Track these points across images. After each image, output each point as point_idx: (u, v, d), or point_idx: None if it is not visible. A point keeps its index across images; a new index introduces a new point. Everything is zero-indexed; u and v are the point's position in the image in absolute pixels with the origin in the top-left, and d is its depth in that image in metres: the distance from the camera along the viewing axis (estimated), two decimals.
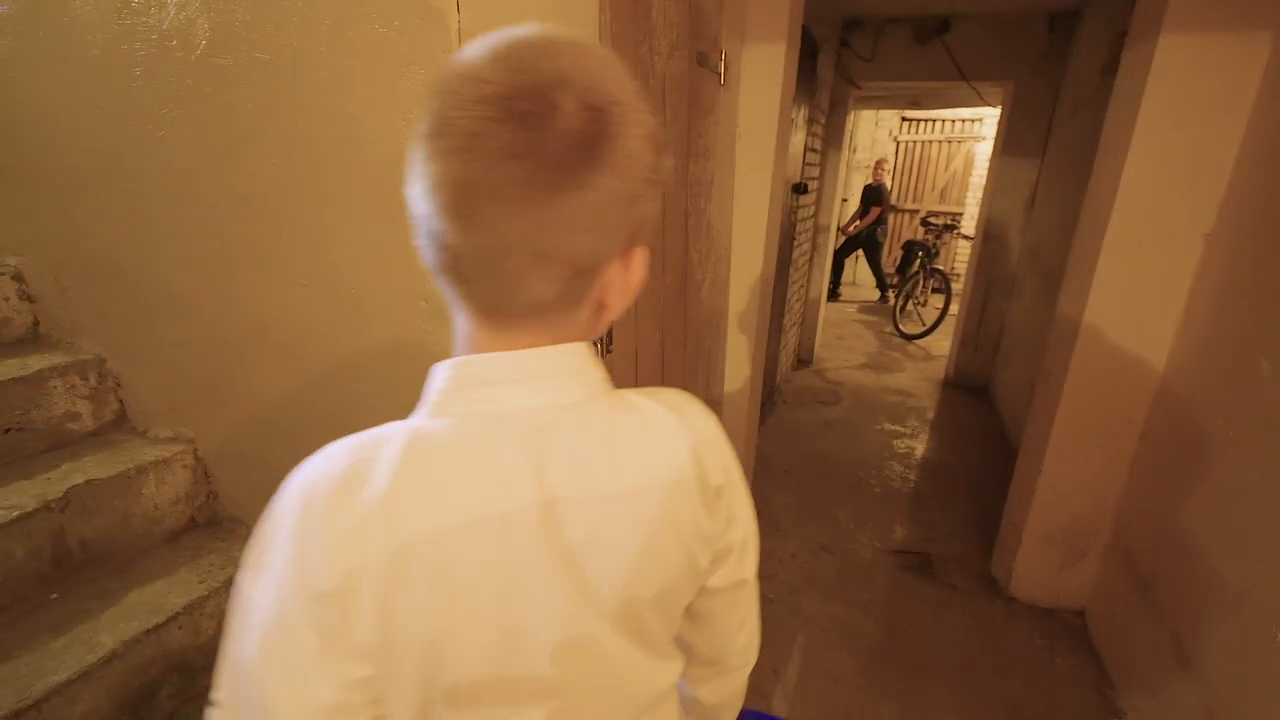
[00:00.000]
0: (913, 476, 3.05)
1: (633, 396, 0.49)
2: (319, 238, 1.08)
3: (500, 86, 0.37)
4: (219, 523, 1.41)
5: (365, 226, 1.04)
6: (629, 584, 0.46)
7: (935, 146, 7.59)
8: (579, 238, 0.39)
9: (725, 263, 2.15)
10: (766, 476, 2.92)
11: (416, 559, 0.40)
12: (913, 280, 5.86)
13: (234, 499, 1.41)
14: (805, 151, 3.38)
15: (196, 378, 1.31)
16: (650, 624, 0.49)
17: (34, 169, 1.31)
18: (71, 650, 1.05)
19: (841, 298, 7.21)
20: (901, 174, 7.78)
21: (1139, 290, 1.76)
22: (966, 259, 5.22)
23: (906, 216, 7.76)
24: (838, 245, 6.46)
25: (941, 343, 5.18)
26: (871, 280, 7.14)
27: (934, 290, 5.96)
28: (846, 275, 7.49)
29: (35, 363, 1.30)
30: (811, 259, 4.44)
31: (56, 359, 1.33)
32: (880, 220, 6.53)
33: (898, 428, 3.62)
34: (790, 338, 4.25)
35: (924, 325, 5.53)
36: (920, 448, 3.38)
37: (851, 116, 4.70)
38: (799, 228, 3.67)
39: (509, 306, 0.42)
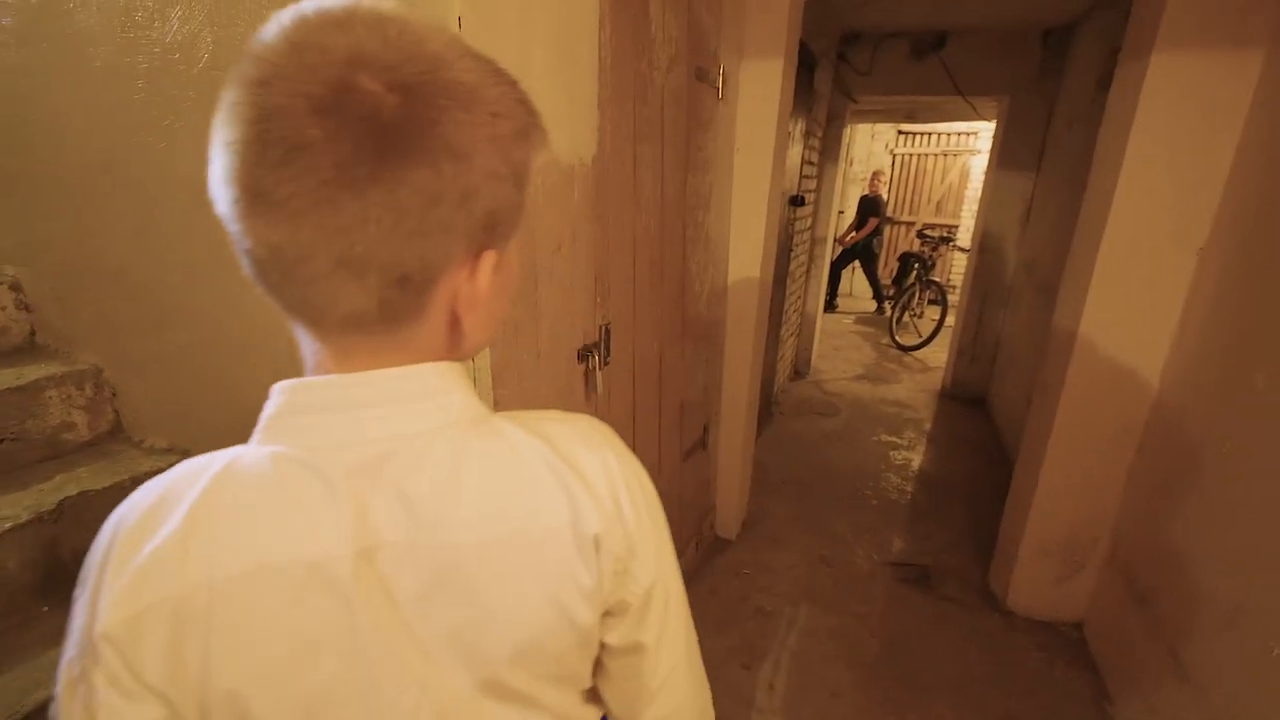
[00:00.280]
0: (910, 488, 3.05)
1: (506, 426, 0.43)
2: None
3: (286, 68, 0.32)
4: None
5: None
6: (476, 641, 0.40)
7: (931, 159, 7.64)
8: (392, 242, 0.34)
9: (723, 274, 2.16)
10: (764, 487, 2.92)
11: (204, 606, 0.36)
12: (909, 292, 5.88)
13: None
14: (802, 164, 3.40)
15: (195, 387, 1.31)
16: (514, 683, 0.43)
17: (35, 179, 1.32)
18: None
19: (838, 309, 7.24)
20: (897, 187, 7.83)
21: (1134, 303, 1.77)
22: (962, 271, 5.25)
23: (903, 229, 7.80)
24: (834, 257, 6.49)
25: (938, 354, 5.19)
26: (868, 292, 7.17)
27: (930, 302, 5.98)
28: (843, 287, 7.52)
29: (31, 373, 1.30)
30: (809, 270, 4.46)
31: (53, 369, 1.32)
32: (876, 232, 6.57)
33: (895, 439, 3.62)
34: (787, 349, 4.26)
35: (920, 337, 5.55)
36: (918, 459, 3.38)
37: (848, 130, 4.74)
38: (796, 239, 3.69)
39: (324, 320, 0.37)
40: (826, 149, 4.15)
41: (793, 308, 4.12)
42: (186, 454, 1.35)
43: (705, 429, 2.24)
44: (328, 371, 0.40)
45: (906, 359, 5.39)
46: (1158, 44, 1.59)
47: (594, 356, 1.32)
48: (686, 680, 0.51)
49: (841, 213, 6.62)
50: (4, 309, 1.40)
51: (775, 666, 1.88)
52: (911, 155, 7.71)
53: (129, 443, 1.40)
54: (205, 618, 0.36)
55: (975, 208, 5.47)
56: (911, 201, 7.85)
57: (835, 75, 3.87)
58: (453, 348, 0.43)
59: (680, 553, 2.15)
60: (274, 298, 0.37)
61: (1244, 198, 1.54)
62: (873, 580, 2.32)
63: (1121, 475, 1.90)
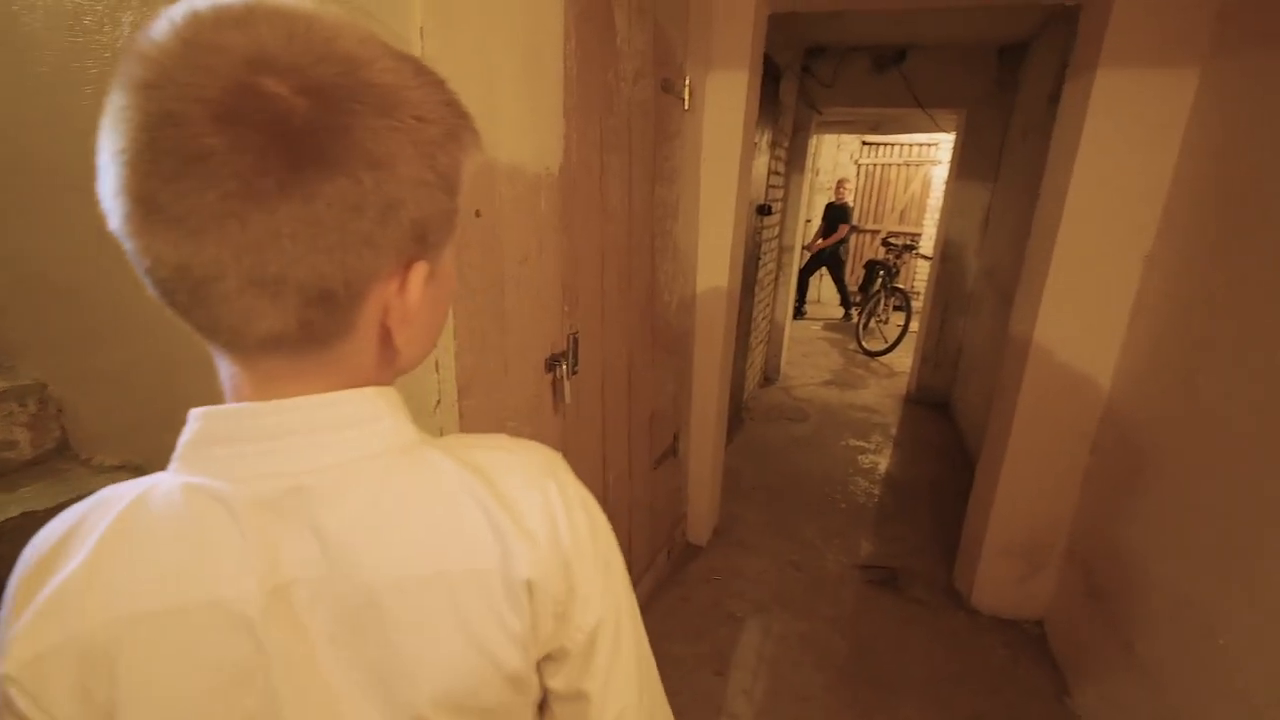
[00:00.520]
0: (878, 491, 3.10)
1: (436, 457, 0.40)
2: None
3: (176, 70, 0.29)
4: None
5: None
6: (395, 684, 0.38)
7: (894, 170, 7.84)
8: (310, 258, 0.32)
9: (691, 283, 2.18)
10: (735, 494, 2.93)
11: (107, 647, 0.34)
12: (875, 299, 6.00)
13: None
14: (769, 174, 3.46)
15: (147, 402, 1.27)
16: None
17: None
18: None
19: (807, 316, 7.35)
20: (862, 196, 8.01)
21: (1085, 309, 1.84)
22: (925, 278, 5.38)
23: (868, 237, 7.97)
24: (802, 264, 6.59)
25: (903, 359, 5.30)
26: (836, 298, 7.29)
27: (895, 308, 6.12)
28: (811, 294, 7.65)
29: None
30: (777, 278, 4.52)
31: None
32: (843, 239, 6.70)
33: (863, 443, 3.68)
34: (757, 356, 4.31)
35: (886, 342, 5.67)
36: (884, 463, 3.44)
37: (814, 140, 4.83)
38: (764, 248, 3.74)
39: (240, 343, 0.35)
40: (793, 159, 4.23)
41: (762, 315, 4.17)
42: (140, 471, 1.31)
43: (676, 437, 2.24)
44: (244, 398, 0.37)
45: (873, 364, 5.50)
46: (1102, 61, 1.66)
47: (562, 366, 1.32)
48: None
49: (809, 221, 6.73)
50: None
51: (747, 672, 1.89)
52: (876, 165, 7.90)
53: (76, 461, 1.35)
54: (109, 660, 0.34)
55: (937, 216, 5.63)
56: (876, 210, 8.03)
57: (800, 87, 3.95)
58: (386, 365, 0.41)
59: (651, 561, 2.15)
60: (184, 320, 0.34)
61: (1183, 208, 1.62)
62: (842, 583, 2.35)
63: (1078, 476, 1.97)
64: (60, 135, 1.13)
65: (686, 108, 1.86)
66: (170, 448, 0.38)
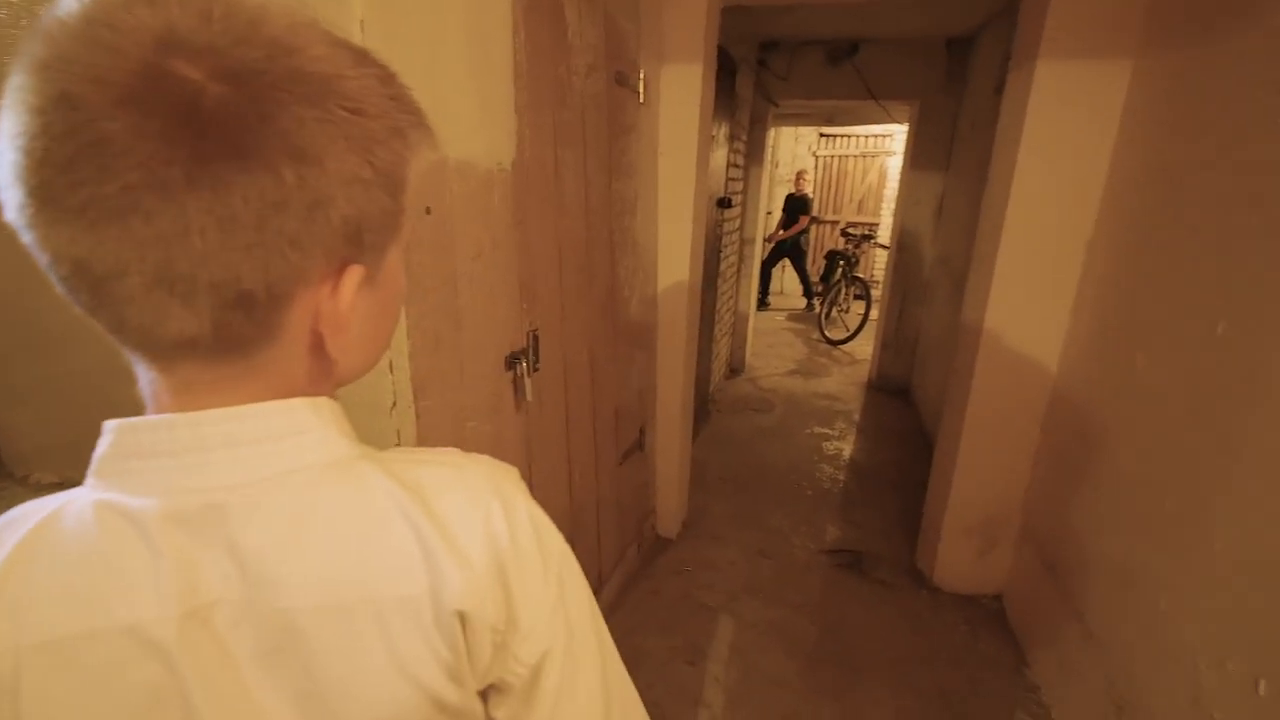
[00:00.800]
0: (842, 477, 3.16)
1: (369, 473, 0.37)
2: None
3: (76, 49, 0.27)
4: None
5: None
6: (327, 708, 0.36)
7: (852, 161, 7.97)
8: (224, 256, 0.30)
9: (652, 277, 2.18)
10: (704, 486, 2.96)
11: (10, 676, 0.32)
12: (836, 288, 6.11)
13: None
14: (728, 167, 3.48)
15: (86, 415, 1.21)
16: None
17: None
18: None
19: (771, 307, 7.44)
20: (821, 187, 8.13)
21: (1032, 294, 1.90)
22: (884, 267, 5.50)
23: (827, 227, 8.10)
24: (764, 256, 6.67)
25: (865, 347, 5.41)
26: (799, 289, 7.40)
27: (856, 297, 6.24)
28: (774, 285, 7.74)
29: None
30: (739, 270, 4.56)
31: None
32: (803, 229, 6.81)
33: (827, 431, 3.75)
34: (722, 348, 4.34)
35: (848, 331, 5.77)
36: (848, 449, 3.51)
37: (772, 133, 4.89)
38: (725, 240, 3.76)
39: (151, 347, 0.33)
40: (751, 152, 4.26)
41: (725, 307, 4.20)
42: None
43: (642, 431, 2.25)
44: (164, 407, 0.35)
45: (836, 353, 5.60)
46: (1041, 53, 1.71)
47: (522, 364, 1.31)
48: None
49: (769, 213, 6.80)
50: None
51: (719, 661, 1.91)
52: (833, 157, 8.02)
53: (11, 478, 1.29)
54: (12, 690, 0.32)
55: (893, 206, 5.76)
56: (835, 201, 8.16)
57: (756, 80, 3.98)
58: (322, 375, 0.38)
59: (621, 556, 2.15)
60: (93, 320, 0.32)
61: (1120, 194, 1.69)
62: (809, 569, 2.39)
63: (1029, 455, 2.04)
64: None
65: (642, 101, 1.86)
66: None
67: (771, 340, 5.93)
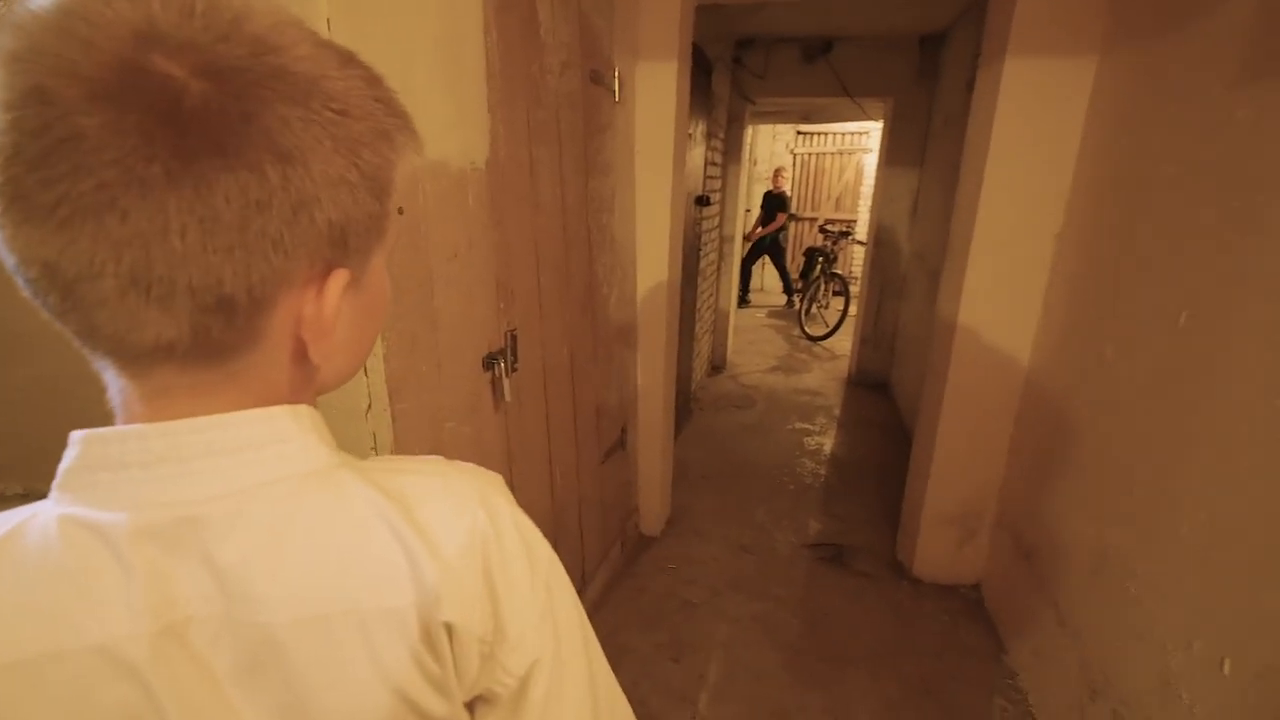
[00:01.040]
0: (823, 472, 3.19)
1: (351, 482, 0.36)
2: None
3: (50, 40, 0.26)
4: None
5: None
6: None
7: (829, 158, 8.04)
8: (204, 258, 0.29)
9: (631, 276, 2.18)
10: (687, 483, 2.97)
11: None
12: (815, 285, 6.16)
13: None
14: (706, 165, 3.49)
15: (52, 424, 1.18)
16: None
17: None
18: None
19: (751, 304, 7.49)
20: (799, 185, 8.19)
21: (1004, 287, 1.94)
22: (862, 263, 5.56)
23: (806, 224, 8.16)
24: (744, 254, 6.70)
25: (844, 343, 5.46)
26: (779, 286, 7.45)
27: (835, 293, 6.29)
28: (755, 282, 7.78)
29: None
30: (719, 268, 4.57)
31: None
32: (781, 227, 6.86)
33: (808, 426, 3.78)
34: (703, 345, 4.36)
35: (827, 327, 5.83)
36: (829, 444, 3.55)
37: (749, 131, 4.91)
38: (704, 238, 3.77)
39: (125, 353, 0.32)
40: (729, 149, 4.28)
41: (706, 305, 4.22)
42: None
43: (624, 430, 2.25)
44: (135, 416, 0.33)
45: (816, 349, 5.65)
46: (1009, 51, 1.74)
47: (501, 364, 1.30)
48: None
49: (748, 211, 6.84)
50: None
51: (703, 656, 1.92)
52: (811, 154, 8.08)
53: None
54: None
55: (870, 203, 5.82)
56: (813, 198, 8.22)
57: (732, 78, 4.00)
58: (303, 382, 0.37)
59: (605, 555, 2.16)
60: (62, 325, 0.31)
61: (1087, 189, 1.72)
62: (792, 563, 2.41)
63: (1004, 445, 2.08)
64: None
65: (617, 99, 1.86)
66: None
67: (752, 337, 5.97)
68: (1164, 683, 1.21)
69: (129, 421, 0.34)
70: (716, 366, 4.87)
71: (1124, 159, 1.55)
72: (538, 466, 1.58)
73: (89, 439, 0.33)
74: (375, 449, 0.96)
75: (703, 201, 3.40)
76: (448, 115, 1.07)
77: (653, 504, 2.51)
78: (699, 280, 3.73)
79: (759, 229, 6.88)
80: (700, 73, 2.91)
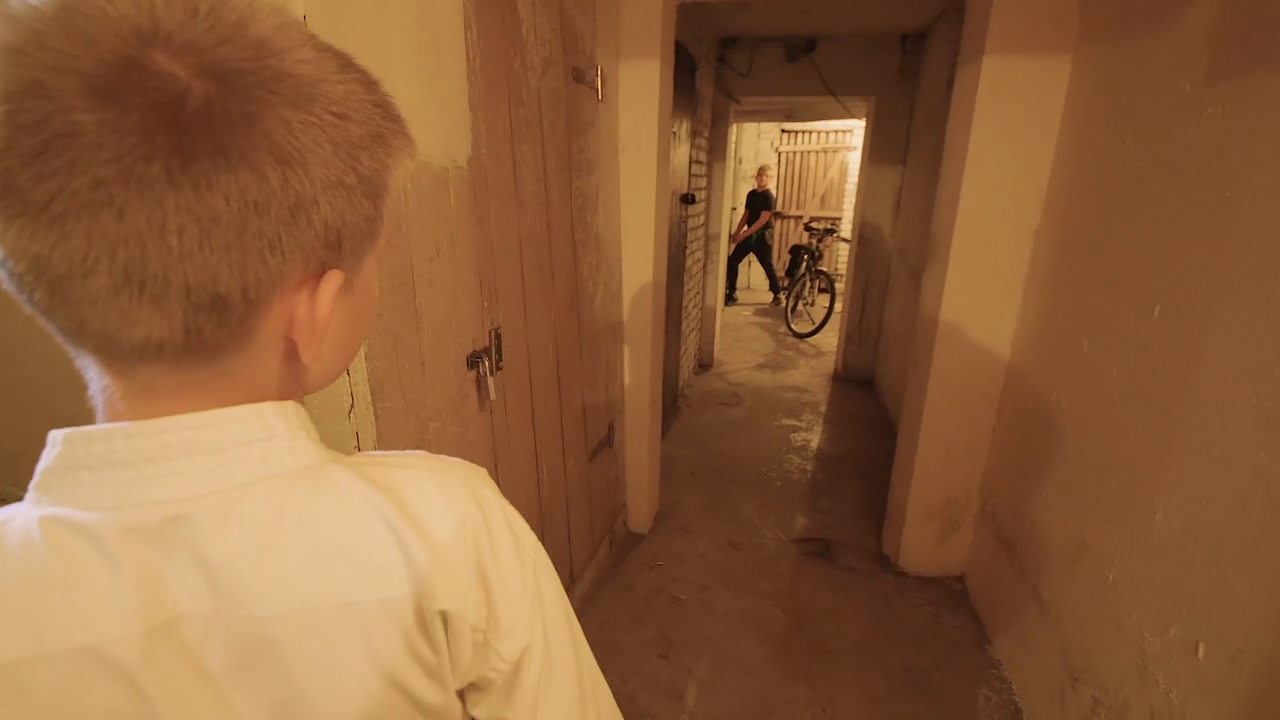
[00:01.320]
0: (810, 467, 3.21)
1: (341, 476, 0.37)
2: None
3: (49, 35, 0.26)
4: None
5: None
6: (303, 716, 0.36)
7: (813, 156, 8.09)
8: (200, 257, 0.29)
9: (617, 274, 2.18)
10: (674, 480, 2.98)
11: None
12: (800, 282, 6.20)
13: None
14: (691, 164, 3.50)
15: (25, 426, 1.17)
16: None
17: None
18: None
19: (738, 302, 7.52)
20: (784, 183, 8.23)
21: (984, 283, 1.96)
22: (847, 260, 5.60)
23: (791, 222, 8.21)
24: (730, 252, 6.73)
25: (830, 339, 5.50)
26: (766, 284, 7.48)
27: (820, 291, 6.34)
28: (741, 280, 7.82)
29: None
30: (705, 266, 4.59)
31: None
32: (766, 224, 6.89)
33: (795, 422, 3.81)
34: (690, 343, 4.37)
35: (813, 324, 5.87)
36: (816, 440, 3.57)
37: (734, 129, 4.93)
38: (690, 237, 3.78)
39: (112, 351, 0.31)
40: (714, 148, 4.29)
41: (692, 303, 4.23)
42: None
43: (611, 428, 2.25)
44: (118, 415, 0.33)
45: (802, 346, 5.68)
46: (987, 49, 1.76)
47: (485, 362, 1.30)
48: None
49: (734, 209, 6.87)
50: None
51: (691, 652, 1.93)
52: (795, 152, 8.13)
53: None
54: None
55: (854, 200, 5.87)
56: (798, 196, 8.27)
57: (717, 77, 4.01)
58: (292, 382, 0.38)
59: (593, 553, 2.16)
60: (46, 321, 0.31)
61: (1064, 184, 1.75)
62: (779, 559, 2.43)
63: (986, 438, 2.11)
64: None
65: (600, 98, 1.86)
66: None
67: (739, 335, 5.99)
68: (1141, 668, 1.24)
69: (112, 420, 0.33)
70: (704, 364, 4.88)
71: (1098, 155, 1.57)
72: (524, 465, 1.58)
73: (71, 438, 0.32)
74: (359, 448, 0.96)
75: (688, 200, 3.41)
76: (428, 114, 1.06)
77: (640, 501, 2.51)
78: (685, 278, 3.74)
79: (744, 227, 6.91)
80: (684, 71, 2.92)
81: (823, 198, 8.17)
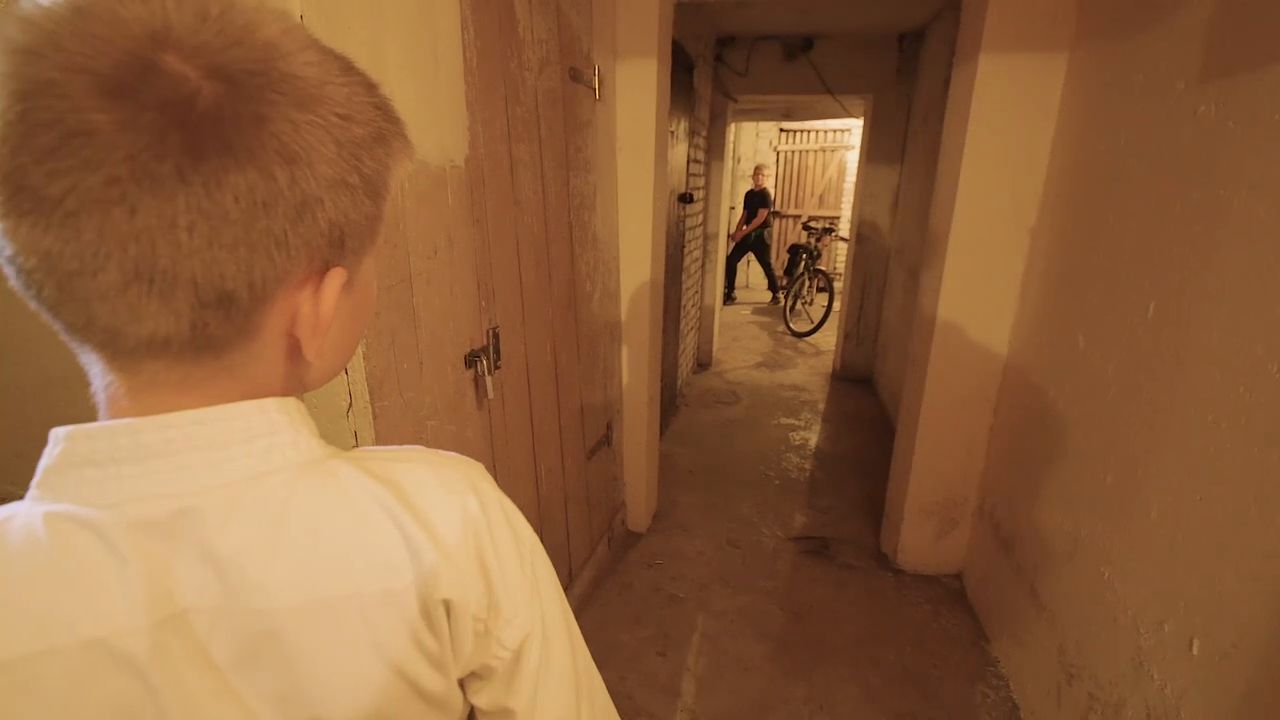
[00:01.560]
0: (808, 466, 3.22)
1: (344, 470, 0.37)
2: None
3: (63, 35, 0.27)
4: None
5: None
6: (308, 706, 0.36)
7: (812, 155, 8.09)
8: (209, 254, 0.29)
9: (614, 273, 2.19)
10: (673, 478, 2.98)
11: None
12: (799, 281, 6.21)
13: None
14: (689, 163, 3.50)
15: (25, 427, 1.17)
16: None
17: None
18: None
19: (737, 301, 7.52)
20: (783, 182, 8.24)
21: (982, 281, 1.97)
22: (845, 259, 5.60)
23: (790, 221, 8.21)
24: (729, 251, 6.73)
25: (829, 338, 5.51)
26: (764, 283, 7.49)
27: (819, 290, 6.35)
28: (740, 279, 7.82)
29: None
30: (704, 265, 4.59)
31: None
32: (766, 223, 6.90)
33: (793, 421, 3.81)
34: (689, 342, 4.37)
35: (812, 323, 5.87)
36: (814, 438, 3.58)
37: (732, 128, 4.93)
38: (688, 236, 3.79)
39: (118, 346, 0.32)
40: (712, 147, 4.30)
41: (691, 302, 4.23)
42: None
43: (609, 426, 2.26)
44: (121, 411, 0.33)
45: (801, 345, 5.68)
46: (983, 48, 1.77)
47: (483, 361, 1.31)
48: None
49: (733, 208, 6.87)
50: None
51: (689, 650, 1.93)
52: (794, 151, 8.13)
53: None
54: None
55: (852, 199, 5.87)
56: (797, 196, 8.27)
57: (714, 76, 4.01)
58: (294, 378, 0.38)
59: (592, 551, 2.16)
60: (52, 317, 0.31)
61: (1059, 182, 1.76)
62: (777, 557, 2.43)
63: (984, 436, 2.11)
64: None
65: (597, 97, 1.86)
66: None
67: (738, 334, 6.00)
68: (1137, 664, 1.24)
69: (115, 416, 0.34)
70: (702, 363, 4.88)
71: (1094, 154, 1.58)
72: (522, 463, 1.59)
73: (74, 435, 0.33)
74: (357, 446, 0.96)
75: (686, 199, 3.41)
76: (425, 114, 1.07)
77: (639, 500, 2.52)
78: (683, 277, 3.74)
79: (743, 227, 6.92)
80: (682, 70, 2.92)
81: (821, 197, 8.17)
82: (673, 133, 2.79)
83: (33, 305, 0.31)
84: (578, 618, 0.48)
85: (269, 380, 0.37)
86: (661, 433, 2.95)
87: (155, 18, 0.28)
